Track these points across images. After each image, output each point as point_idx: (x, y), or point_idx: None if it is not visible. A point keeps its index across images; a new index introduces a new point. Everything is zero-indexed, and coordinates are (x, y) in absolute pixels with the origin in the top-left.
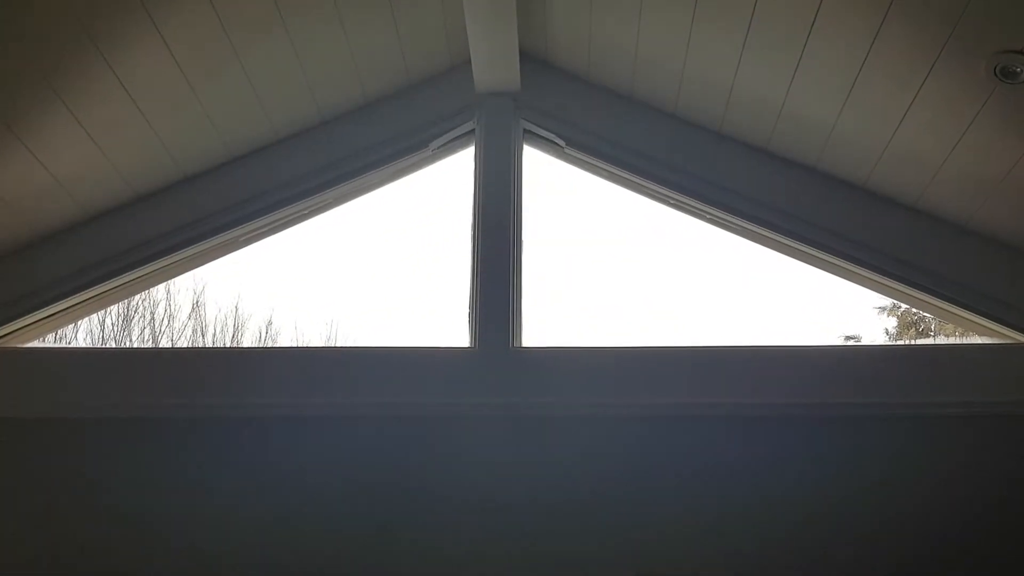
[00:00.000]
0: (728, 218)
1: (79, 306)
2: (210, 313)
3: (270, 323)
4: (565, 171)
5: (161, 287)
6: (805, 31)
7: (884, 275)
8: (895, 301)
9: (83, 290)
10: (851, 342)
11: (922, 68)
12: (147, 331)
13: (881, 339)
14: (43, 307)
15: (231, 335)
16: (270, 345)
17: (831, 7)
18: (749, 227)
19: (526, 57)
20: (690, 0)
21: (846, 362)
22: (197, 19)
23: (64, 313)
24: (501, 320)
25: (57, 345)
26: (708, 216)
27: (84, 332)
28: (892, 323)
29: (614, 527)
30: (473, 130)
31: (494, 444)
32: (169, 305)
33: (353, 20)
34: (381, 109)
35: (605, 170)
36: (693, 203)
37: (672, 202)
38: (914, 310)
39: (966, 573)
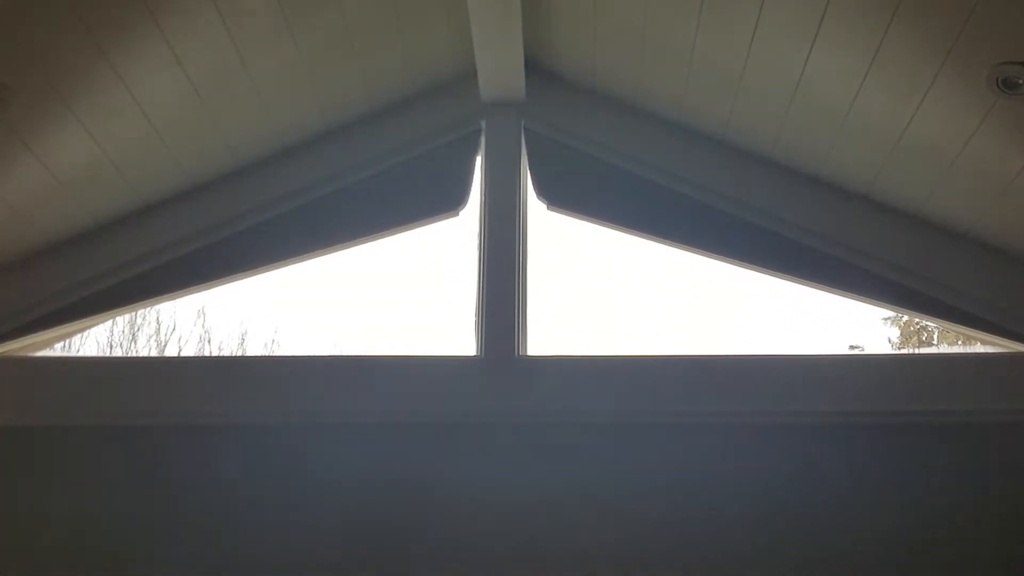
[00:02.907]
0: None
1: (88, 319)
2: (216, 321)
3: (276, 332)
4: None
5: None
6: (808, 43)
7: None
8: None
9: (93, 302)
10: (855, 352)
11: (924, 79)
12: (153, 339)
13: (884, 349)
14: (53, 319)
15: (237, 343)
16: (275, 354)
17: (834, 18)
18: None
19: (531, 68)
20: (693, 13)
21: (851, 371)
22: (205, 29)
23: (73, 324)
24: (507, 329)
25: (64, 354)
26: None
27: (91, 339)
28: (895, 333)
29: (622, 535)
30: (480, 139)
31: (500, 452)
32: (175, 313)
33: (360, 31)
34: (387, 119)
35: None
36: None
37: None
38: (916, 320)
39: None
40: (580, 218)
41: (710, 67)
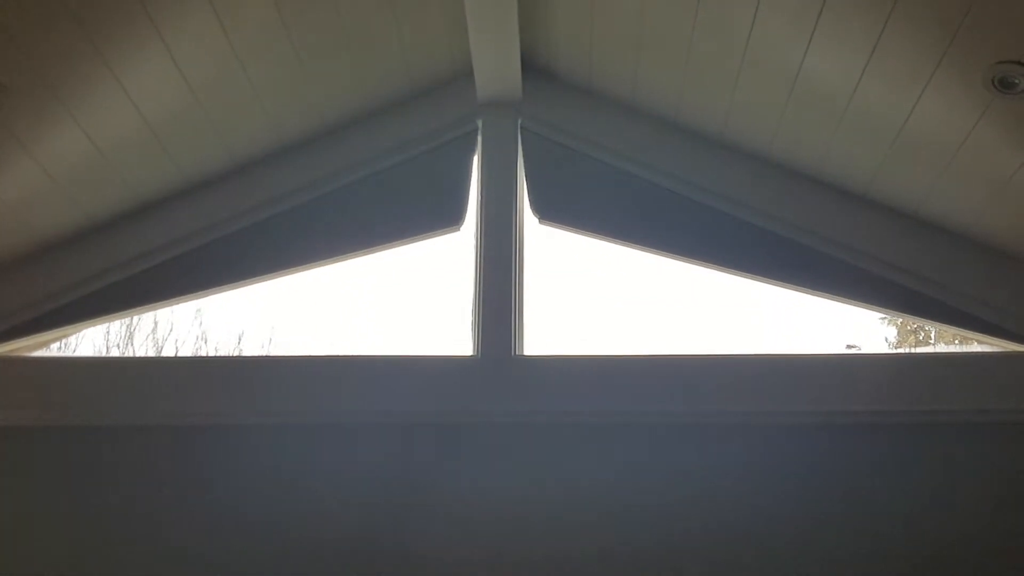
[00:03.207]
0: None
1: (84, 322)
2: (212, 321)
3: (272, 331)
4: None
5: None
6: (804, 42)
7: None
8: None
9: (89, 304)
10: (852, 351)
11: (920, 79)
12: (149, 339)
13: (881, 348)
14: (47, 322)
15: (234, 344)
16: (271, 354)
17: (829, 18)
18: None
19: (528, 67)
20: (690, 10)
21: (849, 371)
22: (201, 30)
23: (69, 327)
24: (504, 328)
25: (60, 354)
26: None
27: (87, 338)
28: (892, 332)
29: (619, 536)
30: (476, 139)
31: (496, 452)
32: (172, 312)
33: (356, 30)
34: (383, 118)
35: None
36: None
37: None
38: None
39: None
40: (573, 231)
41: (707, 64)
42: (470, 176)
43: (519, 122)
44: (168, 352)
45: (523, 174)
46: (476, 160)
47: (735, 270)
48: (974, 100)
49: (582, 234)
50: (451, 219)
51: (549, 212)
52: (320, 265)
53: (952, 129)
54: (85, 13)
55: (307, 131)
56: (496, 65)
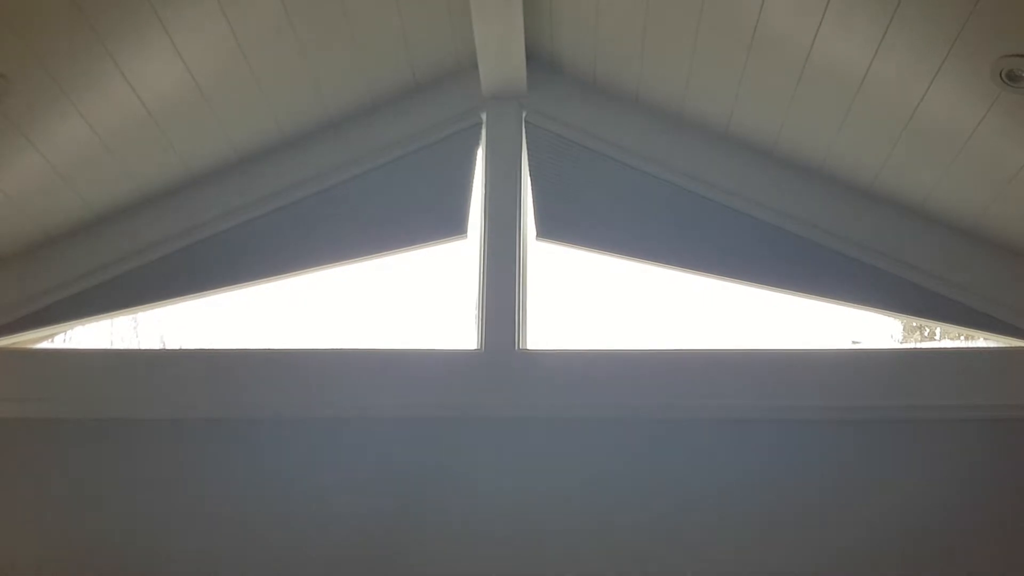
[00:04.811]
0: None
1: (84, 319)
2: (212, 314)
3: (272, 324)
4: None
5: None
6: (812, 33)
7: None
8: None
9: (89, 299)
10: (856, 346)
11: (927, 72)
12: (154, 329)
13: (886, 343)
14: (49, 316)
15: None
16: (272, 347)
17: (835, 13)
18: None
19: (532, 60)
20: (696, 3)
21: (853, 366)
22: (205, 21)
23: (69, 323)
24: (507, 322)
25: (64, 346)
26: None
27: (91, 330)
28: (897, 328)
29: (621, 529)
30: (480, 132)
31: (500, 446)
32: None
33: (360, 22)
34: (387, 111)
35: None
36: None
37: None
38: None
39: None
40: (575, 247)
41: (713, 57)
42: (474, 172)
43: (523, 115)
44: (171, 344)
45: (527, 169)
46: (480, 154)
47: (741, 280)
48: (981, 93)
49: (583, 249)
50: (457, 226)
51: (549, 226)
52: (324, 269)
53: (959, 122)
54: (88, 3)
55: (310, 124)
56: (500, 57)
